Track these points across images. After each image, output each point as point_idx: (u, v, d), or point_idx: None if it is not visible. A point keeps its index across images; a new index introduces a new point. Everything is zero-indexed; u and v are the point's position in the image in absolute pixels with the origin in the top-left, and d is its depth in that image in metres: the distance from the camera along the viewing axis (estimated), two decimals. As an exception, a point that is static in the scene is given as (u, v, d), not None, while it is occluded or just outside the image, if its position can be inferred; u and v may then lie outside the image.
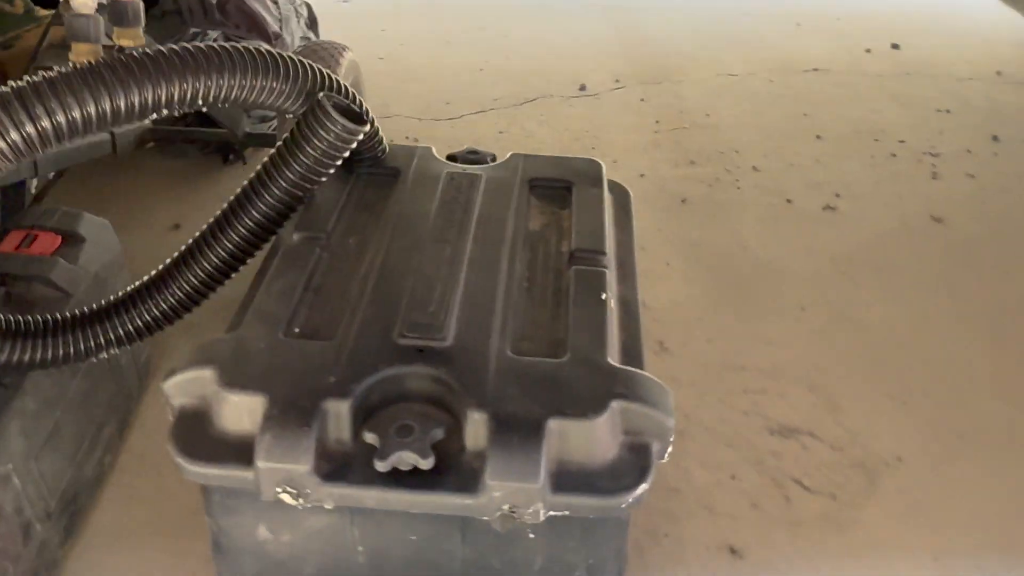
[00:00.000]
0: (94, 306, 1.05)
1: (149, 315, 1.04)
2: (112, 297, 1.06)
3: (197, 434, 0.82)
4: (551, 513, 0.79)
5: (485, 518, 0.79)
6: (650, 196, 2.16)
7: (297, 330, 0.90)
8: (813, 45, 3.15)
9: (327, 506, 0.83)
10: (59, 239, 1.25)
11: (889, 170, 2.32)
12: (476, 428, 0.79)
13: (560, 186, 1.15)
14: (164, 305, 1.04)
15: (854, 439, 1.48)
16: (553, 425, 0.78)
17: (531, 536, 0.84)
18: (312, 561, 0.89)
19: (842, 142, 2.45)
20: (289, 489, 0.78)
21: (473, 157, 1.21)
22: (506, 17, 3.42)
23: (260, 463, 0.78)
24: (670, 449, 0.84)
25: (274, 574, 0.91)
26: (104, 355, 1.05)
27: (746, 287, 1.86)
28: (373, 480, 0.79)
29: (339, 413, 0.80)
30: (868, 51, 3.10)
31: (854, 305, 1.80)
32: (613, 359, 0.87)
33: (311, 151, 1.02)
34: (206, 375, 0.83)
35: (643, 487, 0.79)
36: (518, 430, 0.77)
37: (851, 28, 3.31)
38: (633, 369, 0.86)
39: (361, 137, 1.06)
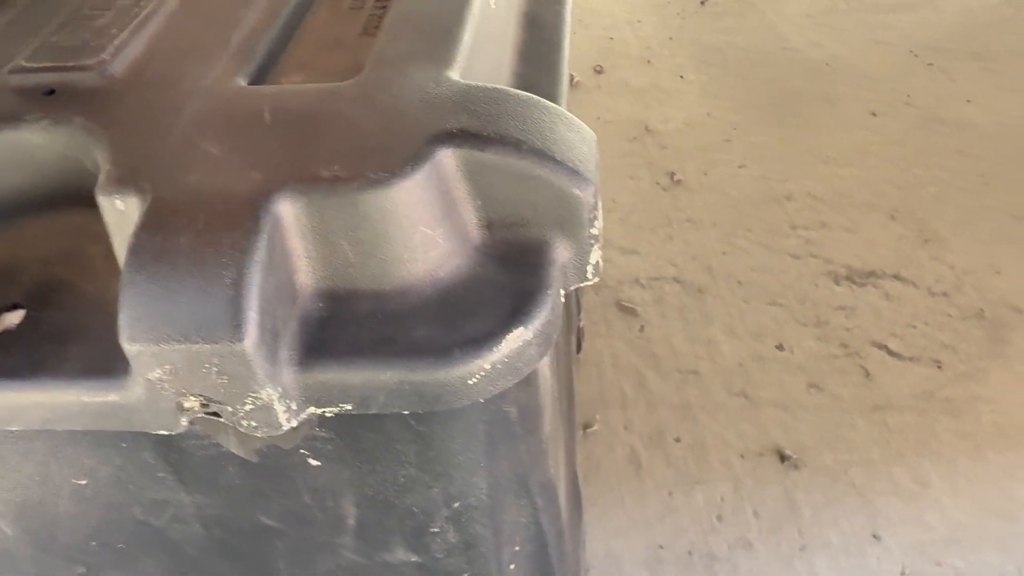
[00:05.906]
0: None
1: None
2: None
3: None
4: (315, 412, 0.35)
5: (162, 431, 0.36)
6: (658, 1, 1.64)
7: None
8: None
9: None
10: None
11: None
12: (118, 231, 0.35)
13: None
14: None
15: (963, 280, 1.00)
16: (286, 209, 0.33)
17: (312, 463, 0.40)
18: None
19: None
20: None
21: None
22: None
23: None
24: (597, 257, 0.39)
25: None
26: None
27: (792, 97, 1.35)
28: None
29: None
30: None
31: (947, 103, 1.28)
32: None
33: None
34: None
35: (520, 333, 0.34)
36: (194, 225, 0.32)
37: None
38: (503, 88, 0.39)
39: None
